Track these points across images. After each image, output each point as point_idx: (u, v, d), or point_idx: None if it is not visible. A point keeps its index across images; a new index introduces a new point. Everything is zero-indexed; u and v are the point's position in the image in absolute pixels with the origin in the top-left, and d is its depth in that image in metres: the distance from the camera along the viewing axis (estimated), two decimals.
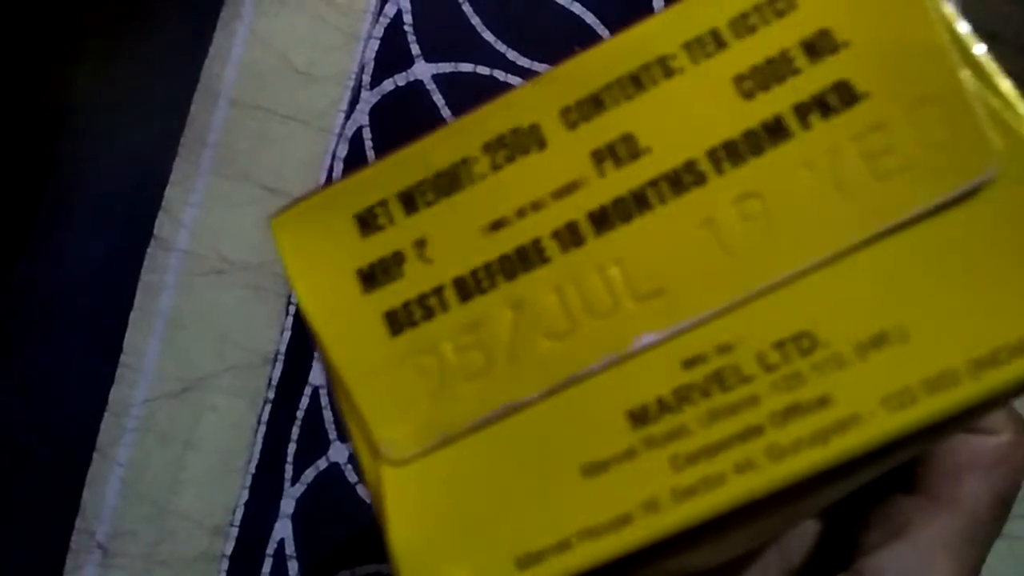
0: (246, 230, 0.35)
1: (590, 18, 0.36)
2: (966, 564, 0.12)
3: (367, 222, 0.10)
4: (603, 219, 0.09)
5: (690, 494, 0.09)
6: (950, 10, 0.09)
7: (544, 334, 0.09)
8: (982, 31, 0.09)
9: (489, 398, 0.09)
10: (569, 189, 0.09)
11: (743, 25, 0.09)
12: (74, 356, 0.35)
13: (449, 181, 0.10)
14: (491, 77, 0.36)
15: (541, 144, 0.10)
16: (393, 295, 0.10)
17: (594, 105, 0.10)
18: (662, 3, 0.36)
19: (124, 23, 0.37)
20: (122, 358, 0.35)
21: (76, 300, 0.36)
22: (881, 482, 0.13)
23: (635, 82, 0.09)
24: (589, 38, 0.36)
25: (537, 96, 0.10)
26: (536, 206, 0.09)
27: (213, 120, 0.36)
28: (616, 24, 0.36)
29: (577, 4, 0.36)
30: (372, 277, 0.10)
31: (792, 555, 0.14)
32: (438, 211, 0.10)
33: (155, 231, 0.36)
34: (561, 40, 0.36)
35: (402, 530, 0.09)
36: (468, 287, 0.09)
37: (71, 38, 0.37)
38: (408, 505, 0.09)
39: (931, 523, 0.12)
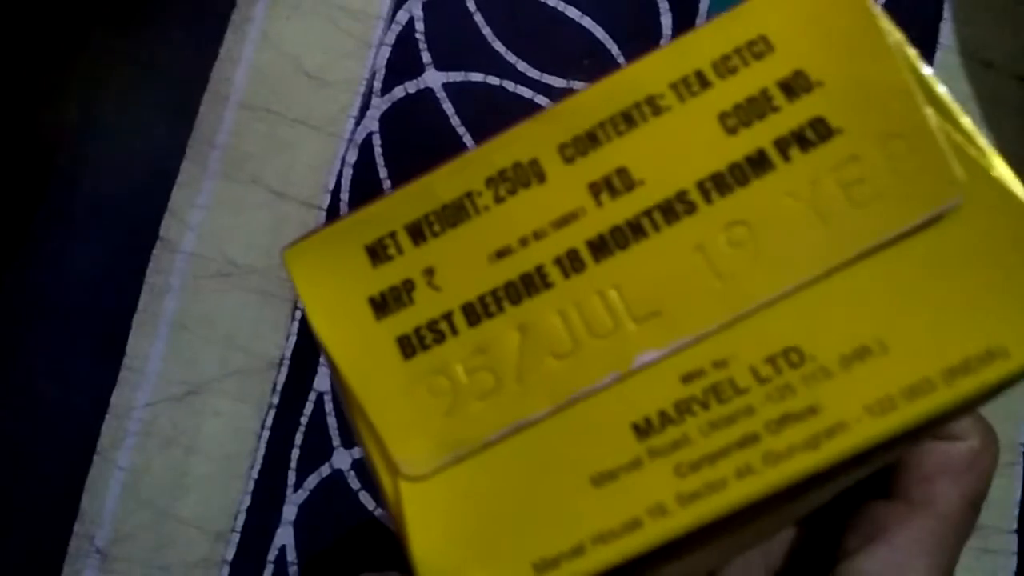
0: (253, 234, 0.35)
1: (600, 32, 0.36)
2: (941, 563, 0.13)
3: (377, 253, 0.10)
4: (602, 246, 0.10)
5: (695, 498, 0.09)
6: (913, 53, 0.10)
7: (550, 354, 0.10)
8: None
9: (500, 416, 0.10)
10: (568, 219, 0.10)
11: (725, 66, 0.10)
12: (76, 358, 0.35)
13: (455, 213, 0.10)
14: (501, 87, 0.36)
15: (541, 177, 0.10)
16: (404, 321, 0.10)
17: (589, 141, 0.10)
18: (670, 20, 0.36)
19: (133, 23, 0.37)
20: (125, 360, 0.35)
21: (80, 301, 0.36)
22: (859, 490, 0.14)
23: (627, 119, 0.10)
24: (598, 52, 0.36)
25: (536, 133, 0.10)
26: (538, 235, 0.10)
27: (222, 123, 0.36)
28: (625, 38, 0.36)
29: (587, 19, 0.36)
30: (384, 304, 0.10)
31: (774, 557, 0.15)
32: (445, 241, 0.10)
33: (161, 233, 0.36)
34: (571, 53, 0.36)
35: (423, 542, 0.10)
36: (476, 312, 0.10)
37: (79, 37, 0.37)
38: (428, 519, 0.10)
39: (907, 526, 0.13)
